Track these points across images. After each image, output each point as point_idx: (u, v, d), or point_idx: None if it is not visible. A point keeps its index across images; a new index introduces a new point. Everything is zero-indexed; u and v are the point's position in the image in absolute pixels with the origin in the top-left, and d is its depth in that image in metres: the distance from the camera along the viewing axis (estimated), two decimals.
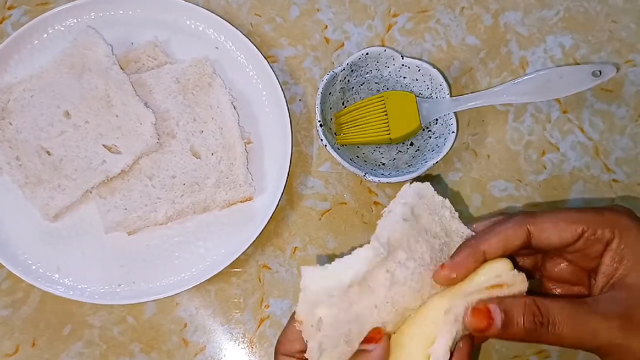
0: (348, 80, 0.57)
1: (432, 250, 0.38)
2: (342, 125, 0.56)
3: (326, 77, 0.54)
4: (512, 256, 0.39)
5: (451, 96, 0.56)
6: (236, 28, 0.57)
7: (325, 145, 0.53)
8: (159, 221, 0.53)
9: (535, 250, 0.41)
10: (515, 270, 0.38)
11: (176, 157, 0.55)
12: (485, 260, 0.38)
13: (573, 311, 0.36)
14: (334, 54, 0.60)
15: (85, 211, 0.55)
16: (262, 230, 0.53)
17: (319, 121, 0.54)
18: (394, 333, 0.37)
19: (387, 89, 0.58)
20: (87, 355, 0.54)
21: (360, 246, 0.35)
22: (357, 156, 0.57)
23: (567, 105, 0.59)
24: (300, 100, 0.59)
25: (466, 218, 0.55)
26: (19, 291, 0.55)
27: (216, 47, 0.58)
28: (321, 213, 0.57)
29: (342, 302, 0.35)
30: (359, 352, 0.36)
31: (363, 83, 0.58)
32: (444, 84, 0.55)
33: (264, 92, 0.58)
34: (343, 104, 0.58)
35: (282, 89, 0.56)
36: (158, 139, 0.53)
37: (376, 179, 0.53)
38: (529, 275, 0.38)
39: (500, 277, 0.37)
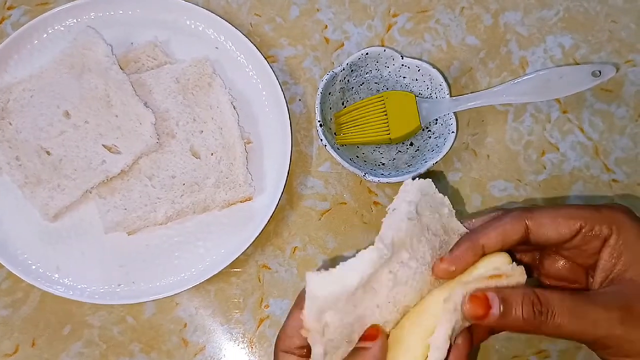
0: (348, 80, 0.57)
1: (433, 249, 0.38)
2: (342, 125, 0.56)
3: (326, 77, 0.54)
4: (510, 251, 0.39)
5: (451, 96, 0.56)
6: (236, 28, 0.57)
7: (325, 145, 0.53)
8: (159, 221, 0.53)
9: (533, 246, 0.41)
10: (514, 263, 0.38)
11: (176, 157, 0.55)
12: (484, 255, 0.38)
13: (573, 302, 0.36)
14: (333, 54, 0.60)
15: (85, 211, 0.55)
16: (262, 230, 0.53)
17: (319, 121, 0.54)
18: (394, 328, 0.37)
19: (387, 89, 0.58)
20: (86, 355, 0.54)
21: (365, 248, 0.35)
22: (357, 156, 0.57)
23: (567, 105, 0.59)
24: (300, 100, 0.59)
25: (466, 218, 0.55)
26: (19, 291, 0.55)
27: (216, 47, 0.58)
28: (321, 213, 0.57)
29: (348, 305, 0.35)
30: (356, 349, 0.36)
31: (363, 83, 0.58)
32: (444, 84, 0.55)
33: (264, 92, 0.58)
34: (343, 104, 0.58)
35: (281, 89, 0.56)
36: (158, 139, 0.53)
37: (376, 179, 0.53)
38: (527, 272, 0.38)
39: (498, 270, 0.37)
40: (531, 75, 0.55)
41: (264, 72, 0.57)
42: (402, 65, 0.57)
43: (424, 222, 0.38)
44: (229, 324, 0.55)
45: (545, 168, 0.58)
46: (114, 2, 0.58)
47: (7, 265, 0.52)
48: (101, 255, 0.54)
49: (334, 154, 0.53)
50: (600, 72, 0.54)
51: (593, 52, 0.61)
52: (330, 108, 0.57)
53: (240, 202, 0.55)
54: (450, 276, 0.38)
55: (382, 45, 0.60)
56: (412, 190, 0.38)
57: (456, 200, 0.57)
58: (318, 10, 0.61)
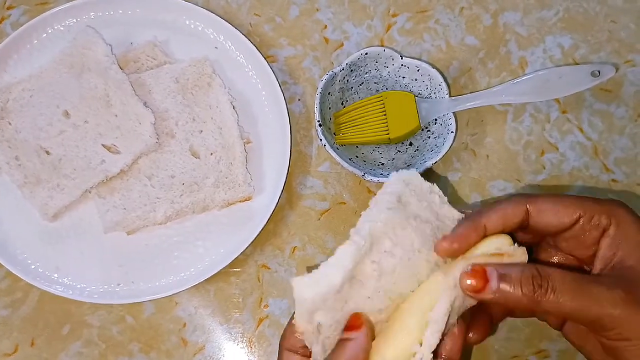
0: (347, 80, 0.57)
1: (423, 235, 0.38)
2: (341, 125, 0.56)
3: (325, 77, 0.54)
4: (512, 234, 0.39)
5: (450, 96, 0.56)
6: (235, 28, 0.57)
7: (325, 145, 0.53)
8: (158, 221, 0.53)
9: (532, 234, 0.41)
10: (516, 244, 0.38)
11: (175, 156, 0.55)
12: (485, 235, 0.38)
13: (575, 280, 0.36)
14: (333, 54, 0.60)
15: (85, 211, 0.55)
16: (261, 230, 0.53)
17: (318, 121, 0.54)
18: (395, 312, 0.37)
19: (386, 88, 0.58)
20: (86, 354, 0.54)
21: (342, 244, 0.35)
22: (356, 156, 0.57)
23: (566, 105, 0.59)
24: (299, 100, 0.59)
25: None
26: (18, 291, 0.55)
27: (215, 47, 0.58)
28: (320, 213, 0.57)
29: (337, 302, 0.35)
30: (342, 341, 0.36)
31: (362, 83, 0.58)
32: (443, 84, 0.55)
33: (263, 92, 0.58)
34: (342, 103, 0.58)
35: (281, 89, 0.56)
36: (157, 138, 0.54)
37: (375, 179, 0.53)
38: (529, 254, 0.38)
39: (500, 250, 0.38)
40: (530, 76, 0.55)
41: (263, 72, 0.57)
42: (402, 65, 0.57)
43: (411, 210, 0.38)
44: (229, 324, 0.55)
45: (544, 168, 0.58)
46: (114, 2, 0.58)
47: (6, 265, 0.52)
48: (100, 255, 0.54)
49: (334, 154, 0.53)
50: (599, 72, 0.54)
51: (592, 52, 0.61)
52: (330, 108, 0.57)
53: (240, 201, 0.55)
54: (452, 254, 0.38)
55: (382, 45, 0.60)
56: (393, 182, 0.39)
57: (456, 200, 0.57)
58: (317, 10, 0.61)
